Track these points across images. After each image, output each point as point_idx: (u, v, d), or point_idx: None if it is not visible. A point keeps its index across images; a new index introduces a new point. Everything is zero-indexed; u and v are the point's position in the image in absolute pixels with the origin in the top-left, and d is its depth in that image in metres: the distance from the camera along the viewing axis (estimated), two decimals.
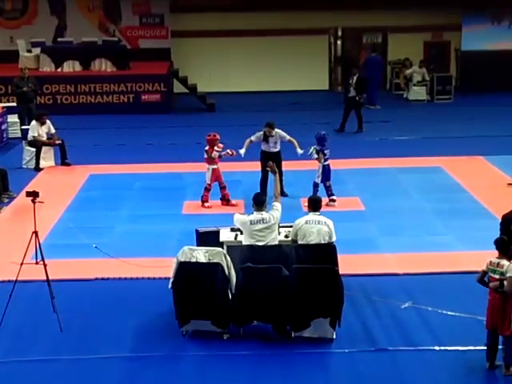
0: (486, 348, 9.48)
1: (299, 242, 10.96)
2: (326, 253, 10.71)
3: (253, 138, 16.33)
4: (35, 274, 11.10)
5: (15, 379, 9.51)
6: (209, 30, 29.64)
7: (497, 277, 9.18)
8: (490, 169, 18.65)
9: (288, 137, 16.30)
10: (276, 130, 16.24)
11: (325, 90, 30.33)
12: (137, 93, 26.67)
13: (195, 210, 15.85)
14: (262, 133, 16.26)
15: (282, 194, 14.50)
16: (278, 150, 16.26)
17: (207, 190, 15.96)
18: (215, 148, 15.82)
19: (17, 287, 10.68)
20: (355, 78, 23.26)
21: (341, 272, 10.36)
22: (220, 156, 15.89)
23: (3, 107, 22.96)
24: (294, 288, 10.07)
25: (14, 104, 23.71)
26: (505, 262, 9.18)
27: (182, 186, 17.50)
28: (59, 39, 29.25)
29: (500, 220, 11.23)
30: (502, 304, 9.19)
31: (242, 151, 16.17)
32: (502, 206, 13.12)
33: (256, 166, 16.54)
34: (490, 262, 9.32)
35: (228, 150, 15.92)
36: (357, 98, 23.08)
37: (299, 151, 16.17)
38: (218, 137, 15.97)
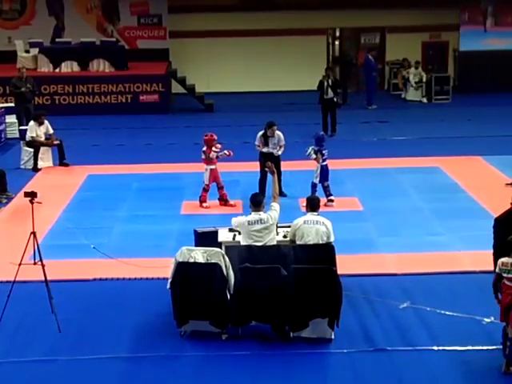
0: (502, 347, 9.42)
1: (297, 243, 10.96)
2: (324, 253, 10.70)
3: (256, 142, 16.25)
4: (33, 274, 11.09)
5: (13, 379, 9.49)
6: (207, 30, 29.65)
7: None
8: (488, 169, 18.66)
9: (283, 142, 16.25)
10: (278, 132, 16.21)
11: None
12: (135, 93, 26.68)
13: (193, 210, 15.85)
14: (261, 133, 16.20)
15: (281, 194, 14.49)
16: (276, 153, 16.20)
17: (205, 190, 15.96)
18: (213, 148, 15.82)
19: (15, 288, 10.68)
20: (331, 79, 23.13)
21: (339, 272, 10.36)
22: (217, 156, 15.89)
23: (1, 108, 22.97)
24: (293, 288, 10.07)
25: (12, 104, 23.74)
26: None
27: (180, 187, 17.49)
28: (57, 40, 29.29)
29: (493, 222, 11.05)
30: None
31: (266, 149, 16.16)
32: (500, 206, 13.08)
33: (254, 167, 16.54)
34: (502, 262, 9.19)
35: (225, 151, 15.92)
36: (335, 100, 22.99)
37: (277, 152, 16.11)
38: (215, 137, 15.97)
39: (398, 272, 12.56)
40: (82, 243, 13.78)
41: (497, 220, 10.17)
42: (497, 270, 9.27)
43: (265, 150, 16.10)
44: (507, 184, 17.06)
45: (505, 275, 9.16)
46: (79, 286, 12.17)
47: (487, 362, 9.57)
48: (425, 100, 28.24)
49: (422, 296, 11.56)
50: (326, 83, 22.98)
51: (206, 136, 16.03)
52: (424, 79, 28.16)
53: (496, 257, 9.60)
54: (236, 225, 11.08)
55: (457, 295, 11.57)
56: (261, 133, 16.26)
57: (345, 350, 10.00)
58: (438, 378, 9.38)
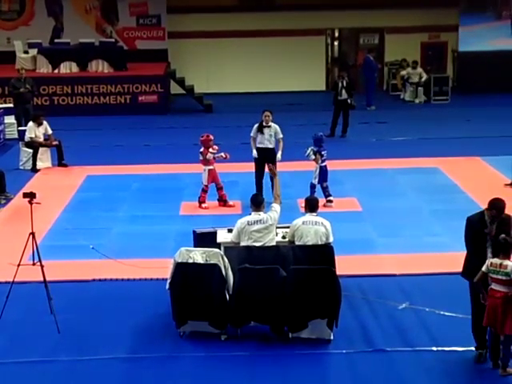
0: (488, 348, 9.45)
1: (296, 243, 10.96)
2: (323, 253, 10.70)
3: (252, 134, 16.27)
4: (32, 275, 11.09)
5: (13, 380, 9.49)
6: (206, 30, 29.68)
7: (500, 277, 9.12)
8: (487, 169, 18.66)
9: (281, 135, 16.25)
10: (274, 124, 16.21)
11: (322, 90, 30.34)
12: (134, 94, 26.70)
13: (192, 210, 15.85)
14: (257, 125, 16.21)
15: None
16: (272, 146, 16.18)
17: (204, 190, 15.96)
18: (210, 150, 15.80)
19: (14, 288, 10.67)
20: (345, 80, 23.09)
21: (338, 273, 10.36)
22: (214, 158, 15.86)
23: (0, 108, 22.97)
24: (292, 289, 10.07)
25: (11, 105, 23.76)
26: (508, 263, 9.08)
27: (179, 187, 17.50)
28: (56, 40, 29.31)
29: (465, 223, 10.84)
30: (503, 303, 9.11)
31: (254, 153, 16.13)
32: None
33: (253, 167, 16.49)
34: (491, 263, 9.22)
35: (222, 154, 15.90)
36: (348, 101, 22.96)
37: (278, 156, 16.10)
38: (211, 137, 15.92)
39: (396, 273, 12.56)
40: (81, 244, 13.77)
41: (469, 221, 10.16)
42: (484, 268, 9.26)
43: (258, 139, 16.03)
44: (506, 185, 17.06)
45: (493, 276, 9.16)
46: (78, 286, 12.17)
47: (486, 363, 9.56)
48: (423, 100, 28.24)
49: (421, 297, 11.56)
50: (340, 84, 22.93)
51: (202, 137, 16.01)
52: (424, 79, 28.17)
53: (469, 259, 9.65)
54: (237, 225, 11.02)
55: (456, 296, 11.52)
56: (257, 125, 16.24)
57: (344, 351, 10.00)
58: (437, 379, 9.38)
